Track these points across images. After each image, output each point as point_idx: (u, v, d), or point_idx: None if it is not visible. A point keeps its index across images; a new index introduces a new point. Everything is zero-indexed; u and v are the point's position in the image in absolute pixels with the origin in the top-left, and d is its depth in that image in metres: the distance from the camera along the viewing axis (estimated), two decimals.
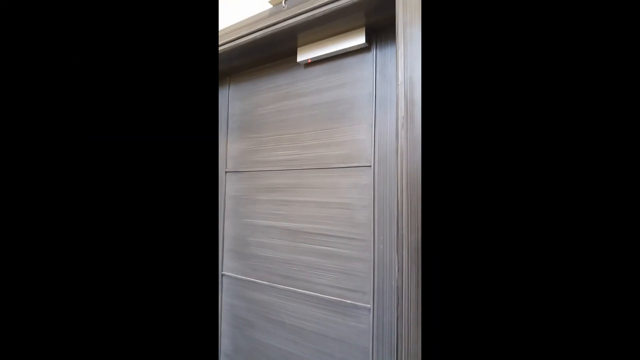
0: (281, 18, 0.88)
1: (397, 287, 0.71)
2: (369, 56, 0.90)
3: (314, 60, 0.97)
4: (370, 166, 0.87)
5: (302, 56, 0.96)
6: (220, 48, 1.01)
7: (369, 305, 0.86)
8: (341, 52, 0.92)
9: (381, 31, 0.88)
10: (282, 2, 0.87)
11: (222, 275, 1.18)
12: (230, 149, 1.19)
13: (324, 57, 0.95)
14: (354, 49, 0.90)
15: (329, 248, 0.93)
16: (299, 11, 0.84)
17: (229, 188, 1.19)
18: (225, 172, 1.20)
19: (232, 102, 1.21)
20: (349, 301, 0.89)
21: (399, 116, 0.72)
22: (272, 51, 1.02)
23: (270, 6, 0.91)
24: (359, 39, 0.87)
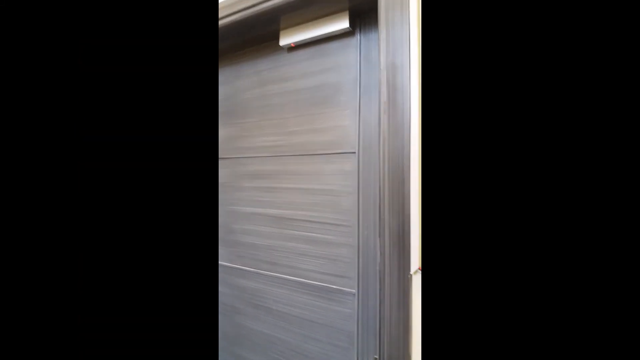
0: None
1: (380, 271, 0.72)
2: (353, 41, 0.88)
3: (297, 44, 0.95)
4: (354, 152, 0.87)
5: (285, 40, 0.94)
6: None
7: (354, 290, 0.87)
8: (325, 36, 0.90)
9: (365, 15, 0.87)
10: None
11: None
12: None
13: (308, 41, 0.93)
14: (338, 33, 0.88)
15: (314, 234, 0.93)
16: None
17: None
18: None
19: None
20: (334, 286, 0.90)
21: (381, 101, 0.72)
22: (254, 34, 0.99)
23: None
24: (343, 23, 0.86)
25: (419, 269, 0.69)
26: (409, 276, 0.69)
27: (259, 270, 1.03)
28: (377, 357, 0.81)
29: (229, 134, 1.12)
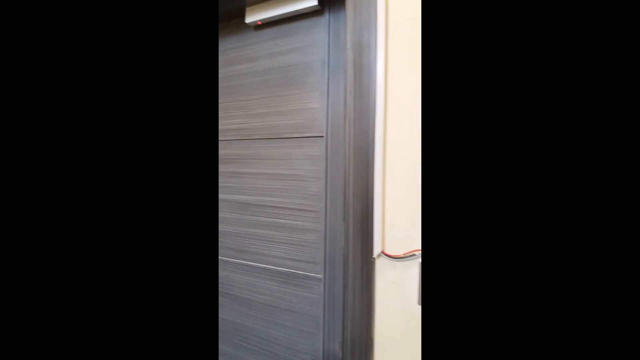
0: None
1: (344, 255, 0.72)
2: (322, 20, 0.85)
3: (265, 22, 0.90)
4: (322, 136, 0.85)
5: (251, 17, 0.90)
6: None
7: (320, 276, 0.86)
8: (293, 14, 0.86)
9: None
10: None
11: None
12: None
13: (275, 19, 0.89)
14: (306, 11, 0.85)
15: (281, 220, 0.91)
16: None
17: None
18: None
19: None
20: (300, 272, 0.89)
21: (347, 82, 0.70)
22: (219, 10, 0.93)
23: None
24: (312, 0, 0.82)
25: (382, 252, 0.68)
26: (372, 260, 0.68)
27: (225, 258, 1.01)
28: (342, 341, 0.82)
29: None
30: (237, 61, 0.97)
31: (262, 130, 0.93)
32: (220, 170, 1.01)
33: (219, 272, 1.02)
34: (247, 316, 0.97)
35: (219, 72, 1.01)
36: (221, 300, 1.02)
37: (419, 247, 0.64)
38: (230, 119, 0.98)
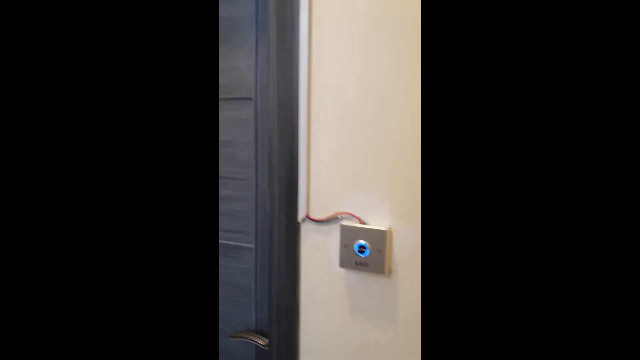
0: None
1: (269, 221, 0.69)
2: None
3: None
4: (251, 99, 0.79)
5: None
6: None
7: (252, 245, 0.83)
8: None
9: None
10: None
11: None
12: None
13: None
14: None
15: None
16: None
17: None
18: None
19: None
20: (232, 243, 0.85)
21: (270, 37, 0.64)
22: None
23: None
24: None
25: (307, 216, 0.67)
26: (297, 224, 0.67)
27: None
28: (268, 308, 0.81)
29: None
30: None
31: None
32: None
33: None
34: None
35: None
36: None
37: (342, 210, 0.64)
38: None
